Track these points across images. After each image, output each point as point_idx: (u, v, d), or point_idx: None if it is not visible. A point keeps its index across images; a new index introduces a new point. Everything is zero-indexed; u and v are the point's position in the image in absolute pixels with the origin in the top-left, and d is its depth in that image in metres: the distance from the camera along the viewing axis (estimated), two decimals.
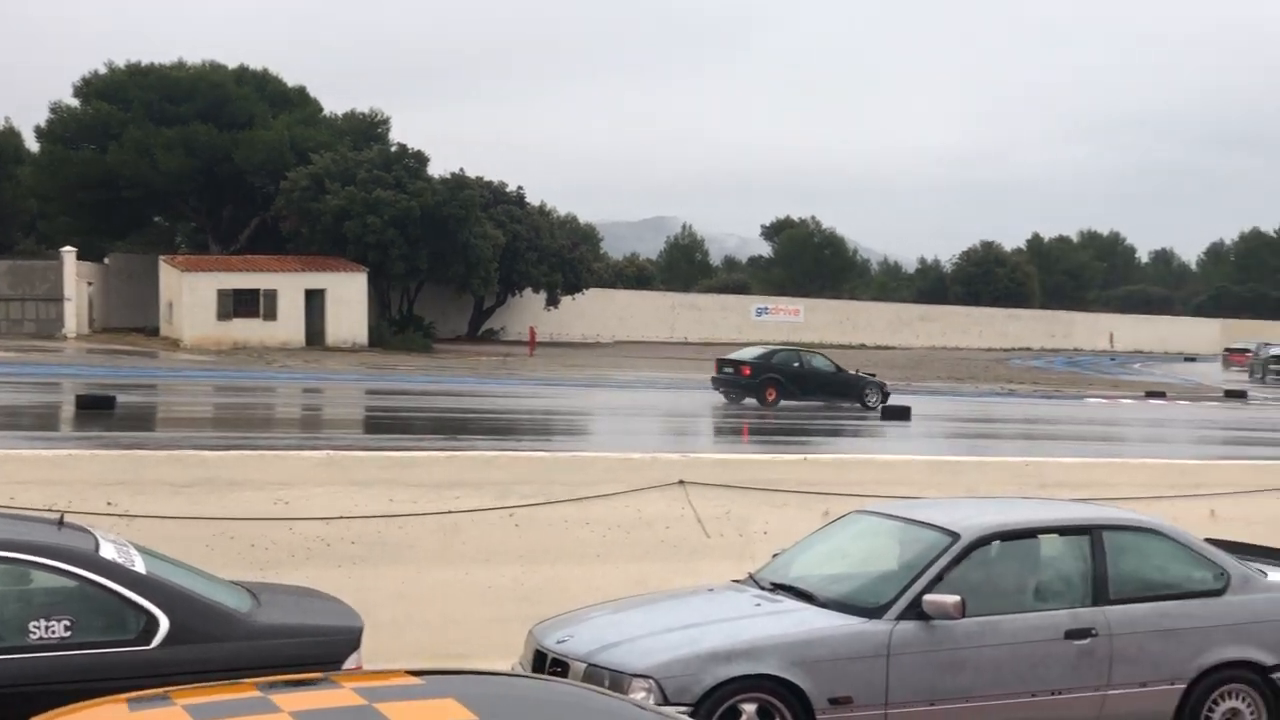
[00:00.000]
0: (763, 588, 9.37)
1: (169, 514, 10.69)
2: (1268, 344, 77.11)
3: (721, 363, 44.02)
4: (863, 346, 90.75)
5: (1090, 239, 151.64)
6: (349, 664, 7.71)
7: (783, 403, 41.46)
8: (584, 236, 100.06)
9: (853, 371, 45.18)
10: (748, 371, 42.24)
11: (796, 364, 43.66)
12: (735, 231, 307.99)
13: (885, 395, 42.49)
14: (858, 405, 42.12)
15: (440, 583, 11.17)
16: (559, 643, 8.68)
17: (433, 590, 11.11)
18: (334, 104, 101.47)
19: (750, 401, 41.78)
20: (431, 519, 11.32)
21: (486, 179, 75.79)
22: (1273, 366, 71.74)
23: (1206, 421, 44.14)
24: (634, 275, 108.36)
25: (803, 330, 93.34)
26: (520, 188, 78.81)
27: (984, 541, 9.11)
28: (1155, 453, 29.56)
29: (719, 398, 42.77)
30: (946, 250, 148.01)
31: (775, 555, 10.01)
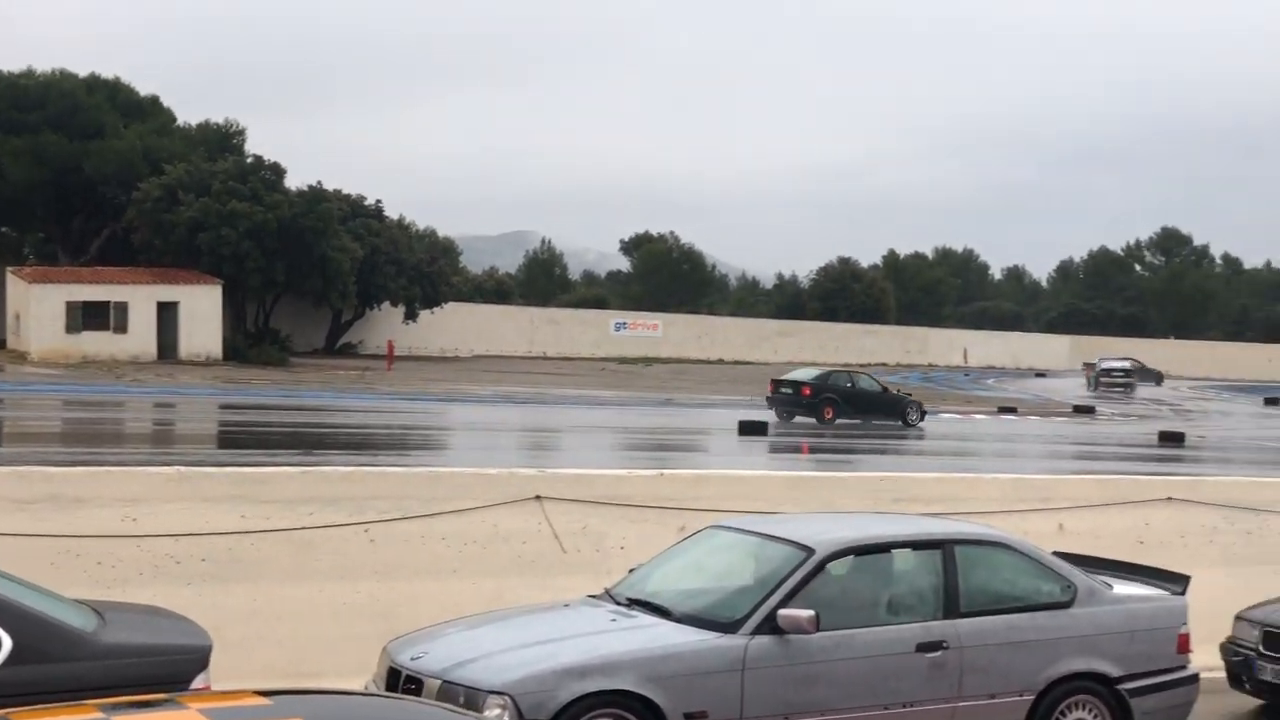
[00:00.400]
0: (619, 603, 9.35)
1: (11, 531, 10.43)
2: (1105, 358, 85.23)
3: (778, 383, 46.39)
4: (720, 362, 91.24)
5: (945, 256, 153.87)
6: (197, 684, 7.58)
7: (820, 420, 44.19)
8: (443, 250, 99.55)
9: (895, 391, 47.86)
10: (808, 392, 44.87)
11: (849, 384, 46.19)
12: (594, 246, 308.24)
13: (923, 413, 45.67)
14: (899, 423, 44.75)
15: (293, 600, 11.02)
16: (413, 660, 8.60)
17: (286, 608, 10.96)
18: (188, 114, 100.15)
19: (794, 419, 44.69)
20: (284, 535, 11.17)
21: (345, 192, 75.24)
22: (1103, 379, 79.33)
23: (1056, 436, 44.98)
24: (493, 289, 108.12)
25: (661, 345, 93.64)
26: (379, 201, 78.40)
27: (838, 556, 9.18)
28: (1007, 467, 30.05)
29: (572, 412, 42.92)
30: (804, 266, 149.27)
31: (632, 570, 10.00)
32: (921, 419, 45.31)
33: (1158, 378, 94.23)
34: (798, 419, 44.67)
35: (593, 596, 9.69)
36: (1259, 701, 11.46)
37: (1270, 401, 72.86)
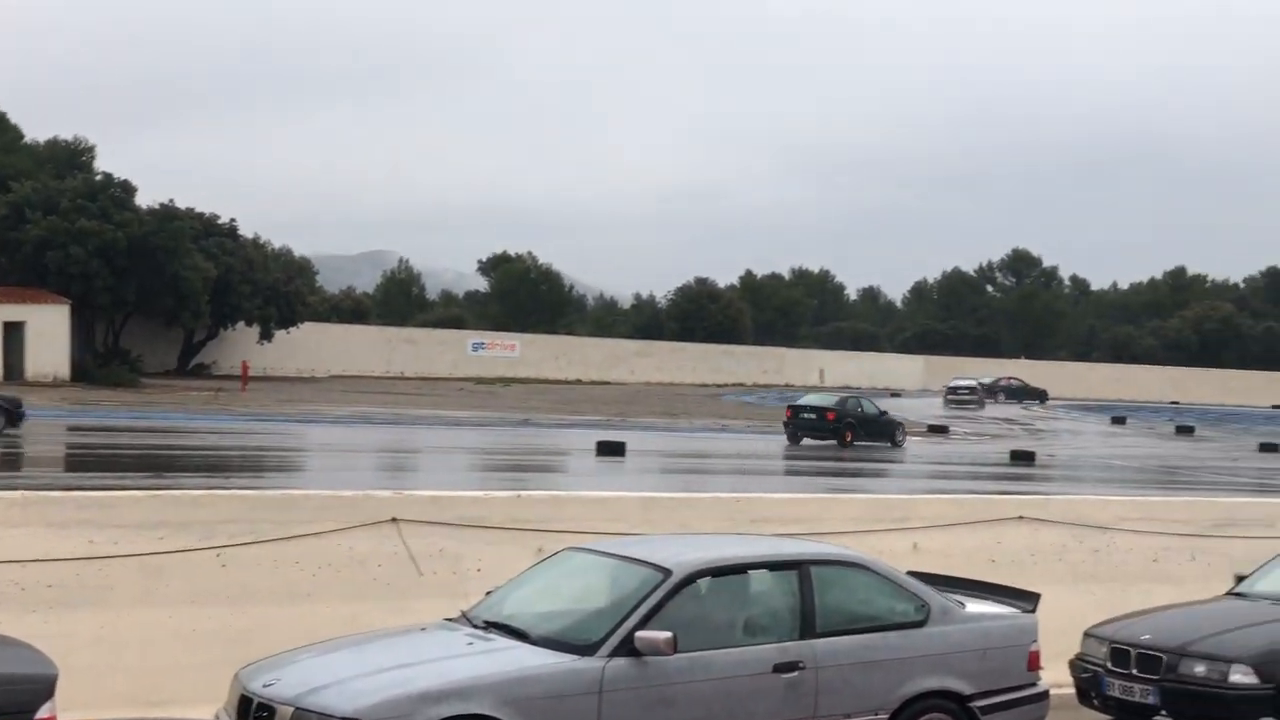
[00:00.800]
0: (475, 626, 9.28)
1: None
2: (959, 378, 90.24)
3: (798, 409, 49.05)
4: (579, 382, 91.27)
5: (801, 276, 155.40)
6: (42, 714, 7.40)
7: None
8: (299, 269, 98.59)
9: (886, 414, 50.58)
10: (832, 416, 47.58)
11: (860, 409, 49.18)
12: (453, 266, 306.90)
13: (905, 434, 49.35)
14: (888, 444, 47.84)
15: (143, 626, 10.80)
16: (265, 686, 8.46)
17: (135, 634, 10.74)
18: (36, 131, 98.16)
19: (794, 441, 47.50)
20: (134, 560, 10.94)
21: (198, 210, 74.28)
22: (950, 397, 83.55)
23: (912, 456, 45.50)
24: (350, 309, 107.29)
25: (519, 366, 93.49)
26: (233, 220, 77.61)
27: (695, 578, 9.18)
28: (862, 487, 30.36)
29: (430, 433, 42.79)
30: (662, 286, 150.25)
31: (489, 593, 9.93)
32: (904, 440, 49.17)
33: (1042, 396, 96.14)
34: (805, 441, 47.68)
35: (449, 620, 9.60)
36: (1107, 717, 11.64)
37: (1117, 420, 74.44)
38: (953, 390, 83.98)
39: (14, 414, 36.53)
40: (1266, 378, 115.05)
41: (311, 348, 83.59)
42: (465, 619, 9.49)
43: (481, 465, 36.13)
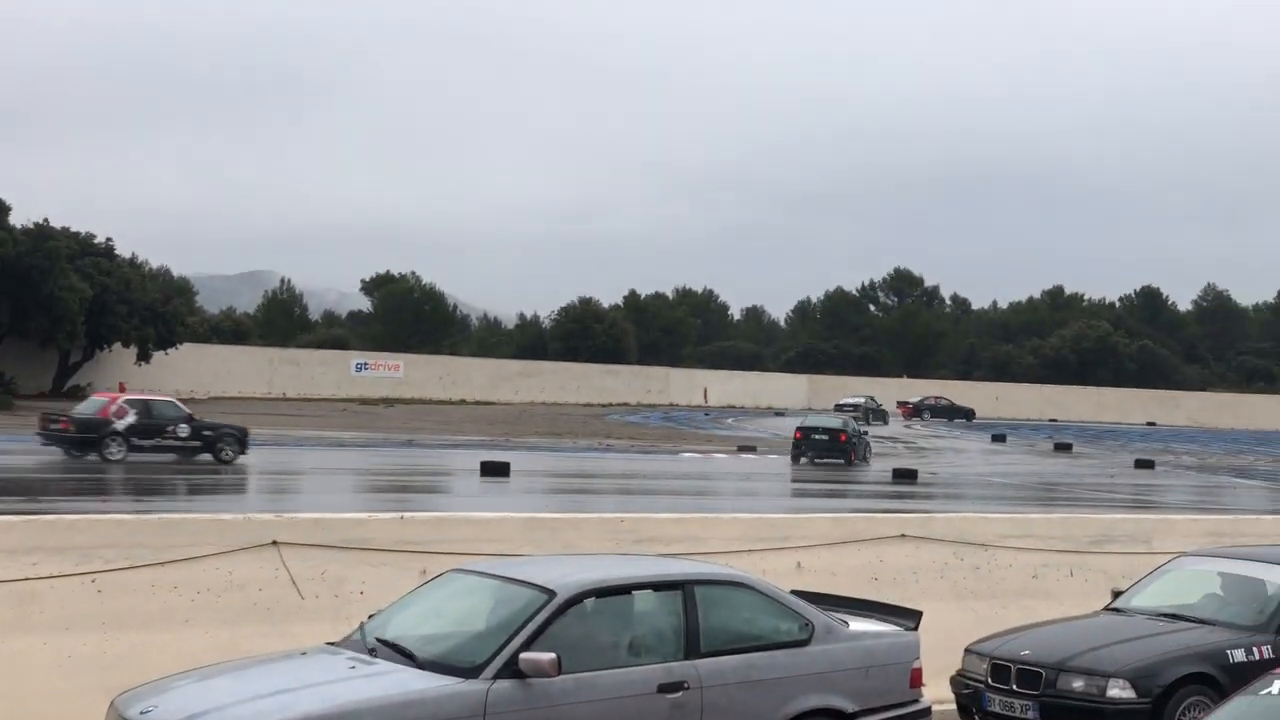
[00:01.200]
0: (358, 650, 9.18)
1: None
2: (847, 396, 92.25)
3: (808, 430, 51.90)
4: (463, 402, 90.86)
5: (685, 296, 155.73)
6: None
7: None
8: (178, 290, 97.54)
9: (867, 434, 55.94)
10: (844, 438, 51.09)
11: (859, 430, 53.80)
12: (335, 286, 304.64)
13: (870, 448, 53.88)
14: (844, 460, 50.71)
15: (15, 654, 10.58)
16: (142, 714, 8.31)
17: (7, 663, 10.51)
18: None
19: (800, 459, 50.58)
20: (5, 587, 10.73)
21: (74, 229, 73.17)
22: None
23: (796, 474, 45.76)
24: (231, 330, 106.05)
25: (403, 386, 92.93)
26: (110, 239, 76.53)
27: (580, 598, 9.15)
28: (747, 506, 30.47)
29: (313, 454, 42.51)
30: (546, 306, 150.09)
31: (372, 616, 9.83)
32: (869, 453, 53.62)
33: (968, 415, 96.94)
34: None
35: (331, 644, 9.49)
36: None
37: (997, 438, 75.34)
38: (839, 408, 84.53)
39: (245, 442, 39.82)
40: (1141, 395, 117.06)
41: (191, 369, 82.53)
42: (348, 643, 9.39)
43: (365, 486, 35.86)
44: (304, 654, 9.30)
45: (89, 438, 37.67)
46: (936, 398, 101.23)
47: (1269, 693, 6.84)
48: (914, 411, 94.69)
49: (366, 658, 9.00)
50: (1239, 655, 11.60)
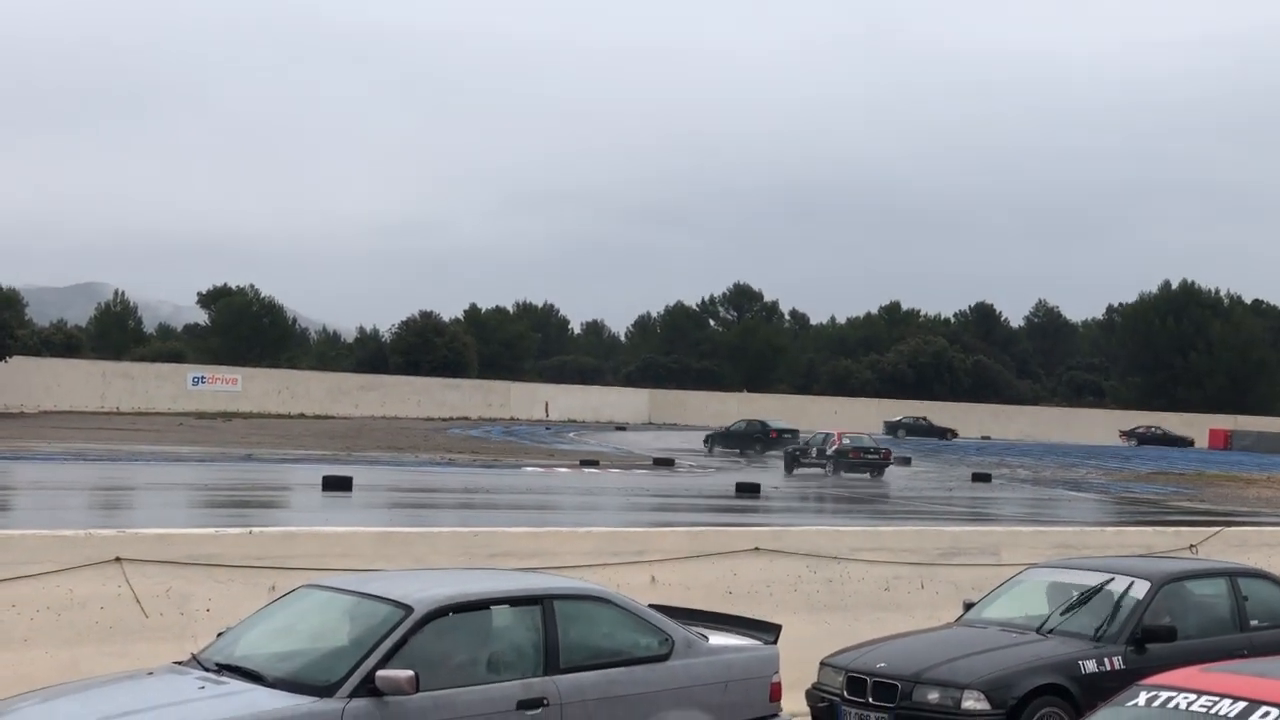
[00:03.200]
0: (207, 669, 8.91)
1: None
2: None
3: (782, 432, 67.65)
4: (303, 416, 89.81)
5: (525, 310, 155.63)
6: None
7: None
8: (6, 302, 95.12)
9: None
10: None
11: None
12: (170, 299, 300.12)
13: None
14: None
15: None
16: None
17: None
18: None
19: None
20: None
21: None
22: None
23: (638, 489, 45.74)
24: (63, 343, 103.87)
25: (241, 400, 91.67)
26: None
27: (437, 614, 8.96)
28: (592, 520, 30.37)
29: (150, 469, 41.68)
30: (386, 320, 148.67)
31: (220, 634, 9.57)
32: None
33: (943, 434, 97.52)
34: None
35: (179, 663, 9.21)
36: None
37: None
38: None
39: None
40: (976, 409, 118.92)
41: (20, 383, 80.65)
42: (196, 662, 9.11)
43: (204, 501, 35.20)
44: (151, 674, 9.01)
45: None
46: (919, 418, 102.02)
47: (1135, 704, 6.87)
48: (890, 430, 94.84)
49: (216, 677, 8.74)
50: (1090, 666, 11.74)
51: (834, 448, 57.16)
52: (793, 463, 58.33)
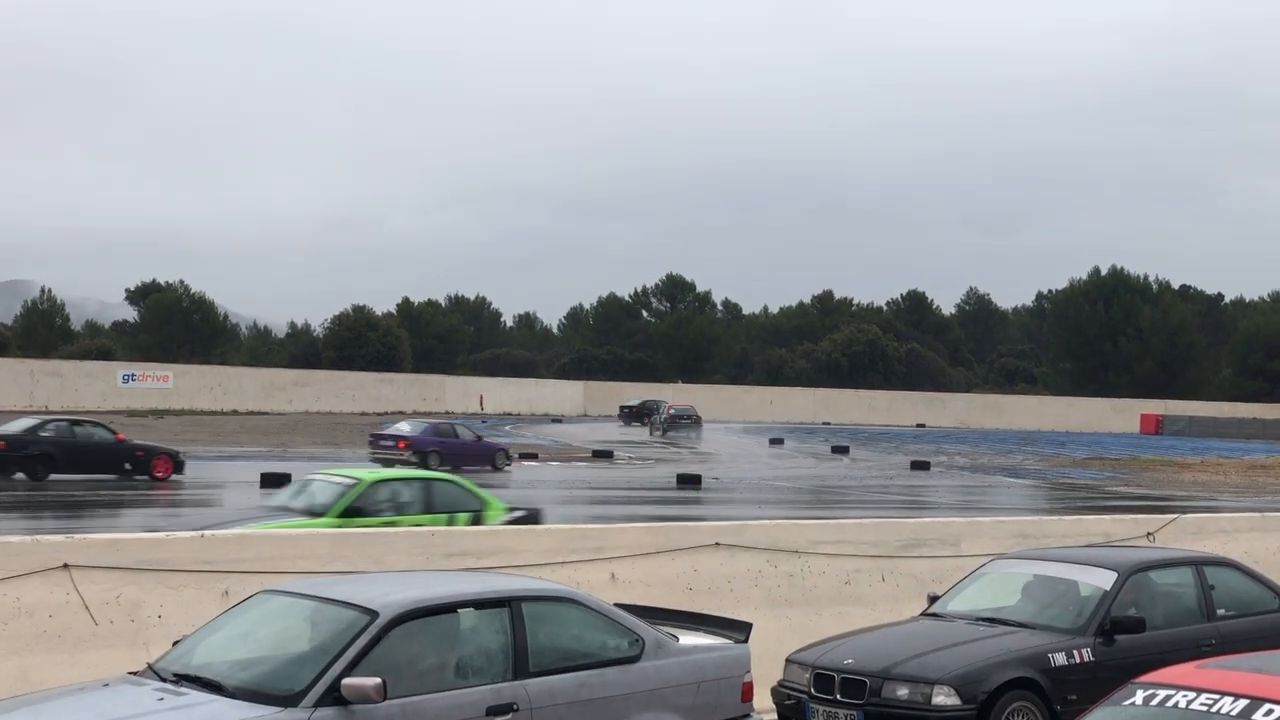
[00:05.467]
0: (164, 679, 8.60)
1: None
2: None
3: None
4: (235, 413, 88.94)
5: (458, 303, 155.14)
6: None
7: None
8: None
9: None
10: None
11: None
12: (97, 295, 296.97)
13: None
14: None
15: None
16: None
17: None
18: None
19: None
20: None
21: None
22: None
23: (579, 481, 45.50)
24: None
25: (173, 397, 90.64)
26: None
27: (404, 619, 8.70)
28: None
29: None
30: (318, 315, 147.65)
31: (176, 642, 9.25)
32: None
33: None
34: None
35: (134, 674, 8.90)
36: None
37: (775, 441, 76.07)
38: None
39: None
40: (910, 397, 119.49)
41: None
42: (153, 671, 8.80)
43: (140, 502, 34.65)
44: (106, 685, 8.70)
45: None
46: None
47: (1132, 703, 6.71)
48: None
49: (174, 688, 8.45)
50: (1060, 659, 11.62)
51: (665, 415, 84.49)
52: (653, 427, 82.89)
